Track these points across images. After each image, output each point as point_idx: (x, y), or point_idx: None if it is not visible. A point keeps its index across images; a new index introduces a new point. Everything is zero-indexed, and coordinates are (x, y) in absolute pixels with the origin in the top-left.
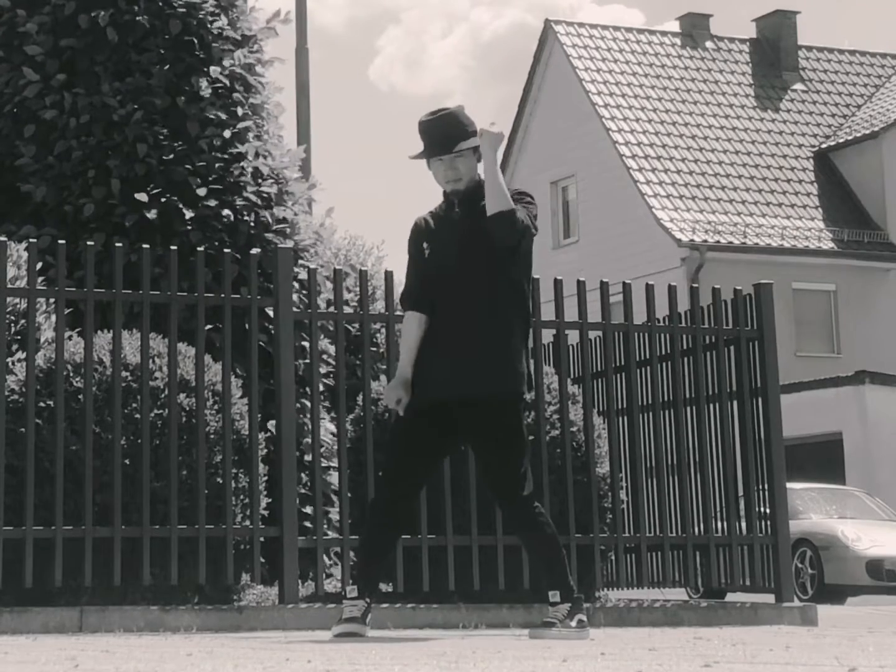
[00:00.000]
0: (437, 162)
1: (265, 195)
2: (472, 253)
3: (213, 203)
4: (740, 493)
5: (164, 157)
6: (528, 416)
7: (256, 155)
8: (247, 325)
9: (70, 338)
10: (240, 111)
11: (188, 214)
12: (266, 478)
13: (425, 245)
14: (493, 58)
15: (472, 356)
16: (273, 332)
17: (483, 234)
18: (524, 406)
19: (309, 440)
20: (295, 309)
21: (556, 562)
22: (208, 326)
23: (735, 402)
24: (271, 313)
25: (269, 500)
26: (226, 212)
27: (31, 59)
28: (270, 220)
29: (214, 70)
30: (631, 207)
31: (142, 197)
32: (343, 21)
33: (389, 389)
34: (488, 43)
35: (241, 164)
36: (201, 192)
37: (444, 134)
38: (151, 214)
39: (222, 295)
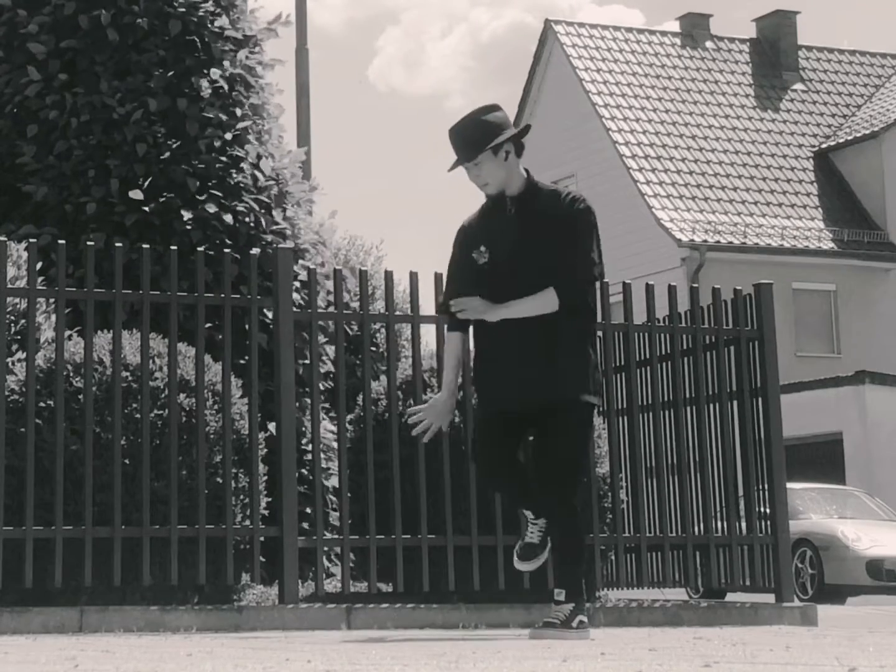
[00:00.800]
0: (466, 168)
1: (265, 196)
2: (532, 255)
3: (212, 205)
4: (740, 493)
5: (164, 157)
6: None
7: (257, 156)
8: (247, 326)
9: (70, 338)
10: (239, 112)
11: (187, 215)
12: (266, 478)
13: (483, 249)
14: (492, 58)
15: (550, 362)
16: (273, 332)
17: (541, 234)
18: (594, 414)
19: (309, 440)
20: (295, 309)
21: (574, 563)
22: (208, 325)
23: (735, 402)
24: (271, 313)
25: (269, 500)
26: (227, 217)
27: (33, 59)
28: (270, 221)
29: (214, 71)
30: (631, 207)
31: (136, 195)
32: (342, 21)
33: (429, 409)
34: (487, 43)
35: (241, 164)
36: (201, 196)
37: (464, 141)
38: (149, 209)
39: (222, 295)
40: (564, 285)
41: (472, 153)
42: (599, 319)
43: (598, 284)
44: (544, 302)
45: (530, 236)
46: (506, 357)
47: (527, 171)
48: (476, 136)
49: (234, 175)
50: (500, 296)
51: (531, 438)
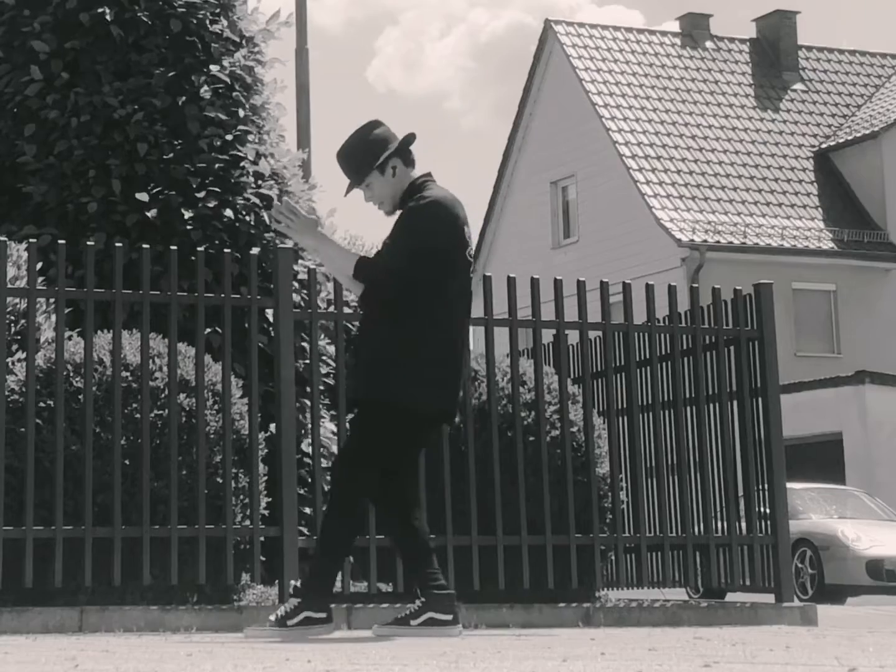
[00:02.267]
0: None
1: (265, 196)
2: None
3: (212, 203)
4: (740, 493)
5: (165, 157)
6: (529, 416)
7: (257, 155)
8: (246, 325)
9: (70, 338)
10: (240, 112)
11: (188, 214)
12: (266, 478)
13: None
14: (490, 59)
15: (360, 351)
16: (273, 332)
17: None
18: (394, 412)
19: (309, 440)
20: (295, 309)
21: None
22: (208, 330)
23: (735, 402)
24: (271, 313)
25: (269, 500)
26: (227, 212)
27: (34, 58)
28: (270, 220)
29: (214, 70)
30: (631, 207)
31: (143, 196)
32: (341, 22)
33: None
34: (486, 44)
35: (242, 163)
36: (200, 194)
37: (349, 166)
38: (152, 213)
39: (222, 295)
40: (361, 264)
41: (360, 176)
42: (600, 319)
43: (421, 283)
44: (348, 264)
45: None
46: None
47: (424, 176)
48: (359, 158)
49: (235, 174)
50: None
51: None
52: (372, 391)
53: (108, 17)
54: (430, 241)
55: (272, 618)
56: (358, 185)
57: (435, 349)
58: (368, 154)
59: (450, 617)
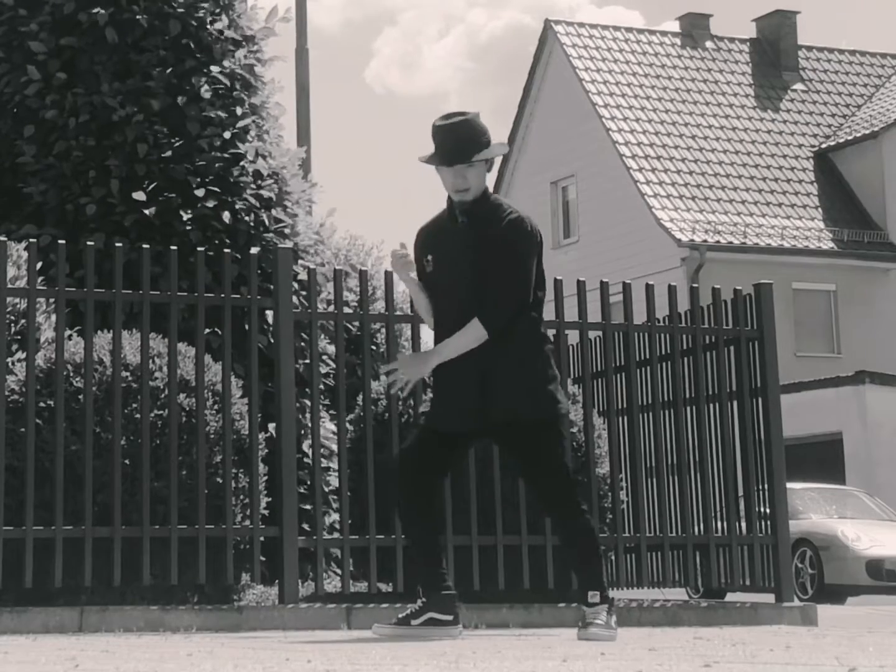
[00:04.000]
0: (446, 169)
1: (265, 196)
2: (470, 271)
3: (212, 203)
4: (740, 493)
5: (164, 157)
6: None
7: (256, 155)
8: (246, 325)
9: (70, 338)
10: (239, 111)
11: (187, 215)
12: (266, 478)
13: (429, 258)
14: (489, 59)
15: (498, 377)
16: (273, 332)
17: (480, 251)
18: (560, 424)
19: (309, 440)
20: (295, 309)
21: (596, 563)
22: (207, 330)
23: (735, 402)
24: (271, 313)
25: (269, 500)
26: (225, 215)
27: (33, 59)
28: (270, 221)
29: (214, 70)
30: (631, 207)
31: (140, 196)
32: (339, 22)
33: (401, 361)
34: (485, 44)
35: (241, 163)
36: (199, 192)
37: (459, 141)
38: (150, 211)
39: (222, 295)
40: (487, 315)
41: (473, 152)
42: (600, 319)
43: (538, 303)
44: (472, 337)
45: (471, 252)
46: (464, 371)
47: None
48: (475, 140)
49: (234, 173)
50: (441, 308)
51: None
52: (541, 410)
53: (103, 19)
54: (535, 258)
55: (599, 621)
56: (462, 162)
57: (550, 356)
58: (482, 136)
59: (450, 617)
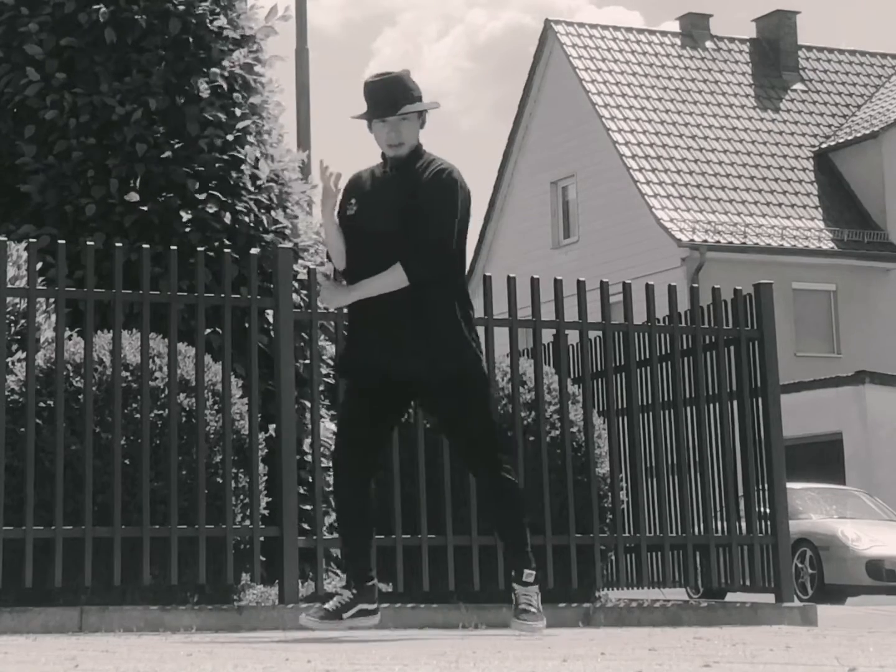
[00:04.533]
0: (379, 124)
1: (265, 196)
2: (399, 219)
3: (211, 204)
4: (740, 493)
5: (164, 157)
6: (529, 416)
7: (256, 158)
8: (247, 325)
9: (70, 338)
10: (239, 111)
11: (186, 216)
12: (266, 478)
13: (353, 201)
14: (488, 59)
15: (418, 332)
16: (273, 332)
17: (405, 200)
18: (486, 381)
19: (309, 440)
20: (295, 309)
21: (524, 536)
22: (208, 330)
23: (735, 402)
24: (271, 313)
25: (269, 500)
26: (226, 215)
27: (32, 59)
28: (270, 221)
29: (214, 70)
30: (631, 207)
31: (131, 196)
32: (338, 22)
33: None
34: (484, 44)
35: (241, 164)
36: (201, 196)
37: (389, 95)
38: (148, 209)
39: (222, 295)
40: (409, 262)
41: (400, 105)
42: (600, 319)
43: (462, 249)
44: (394, 279)
45: (395, 201)
46: (377, 323)
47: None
48: (403, 89)
49: (234, 175)
50: (356, 252)
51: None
52: (468, 361)
53: (102, 19)
54: (463, 212)
55: (533, 609)
56: (394, 114)
57: (472, 315)
58: (414, 91)
59: (375, 606)
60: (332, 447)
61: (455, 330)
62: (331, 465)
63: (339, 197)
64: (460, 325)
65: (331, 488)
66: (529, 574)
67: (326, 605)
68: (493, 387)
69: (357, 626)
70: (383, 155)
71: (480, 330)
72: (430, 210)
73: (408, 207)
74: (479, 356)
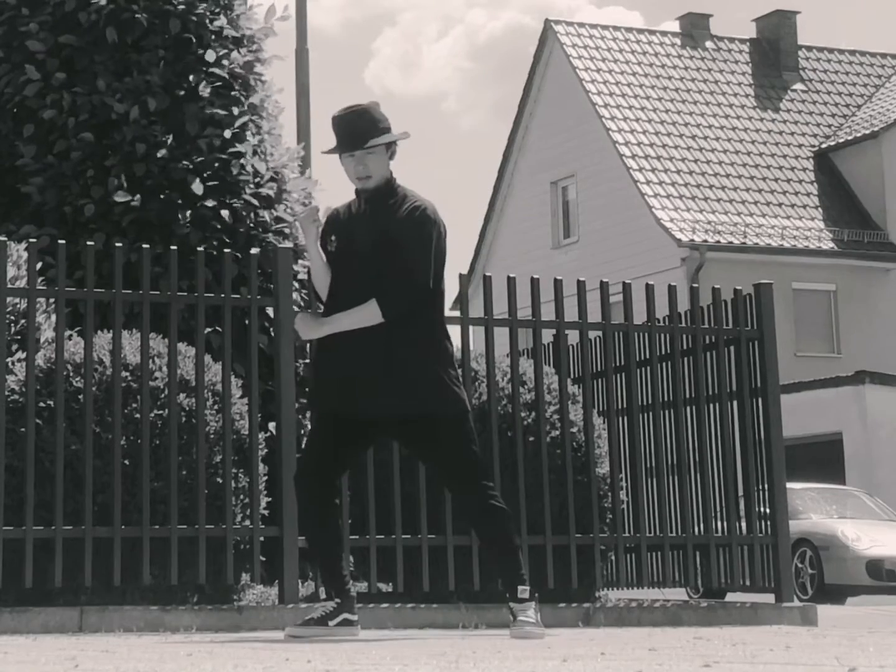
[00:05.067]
0: (347, 158)
1: (264, 195)
2: (374, 255)
3: (211, 203)
4: (740, 493)
5: (163, 157)
6: (529, 416)
7: (255, 154)
8: (246, 322)
9: (70, 338)
10: (238, 111)
11: (186, 215)
12: (266, 478)
13: (332, 238)
14: (488, 60)
15: (388, 371)
16: (273, 332)
17: (380, 236)
18: (461, 414)
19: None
20: (295, 308)
21: (514, 559)
22: (208, 329)
23: (735, 402)
24: (271, 313)
25: (269, 500)
26: (224, 213)
27: (32, 58)
28: (270, 220)
29: (213, 69)
30: (631, 207)
31: (121, 196)
32: (338, 23)
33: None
34: (484, 45)
35: (241, 162)
36: (198, 189)
37: (356, 129)
38: (147, 209)
39: (222, 295)
40: (384, 299)
41: (366, 138)
42: (600, 319)
43: (437, 291)
44: (368, 315)
45: (368, 238)
46: (348, 358)
47: (391, 173)
48: (369, 123)
49: (234, 173)
50: (338, 289)
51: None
52: (445, 405)
53: (101, 16)
54: (439, 249)
55: (531, 620)
56: (359, 148)
57: (451, 352)
58: (380, 123)
59: (356, 617)
60: (295, 472)
61: (427, 370)
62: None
63: (320, 229)
64: (434, 365)
65: None
66: (524, 590)
67: (311, 614)
68: (472, 422)
69: (340, 635)
70: (356, 190)
71: (480, 330)
72: (404, 247)
73: (381, 244)
74: (457, 393)
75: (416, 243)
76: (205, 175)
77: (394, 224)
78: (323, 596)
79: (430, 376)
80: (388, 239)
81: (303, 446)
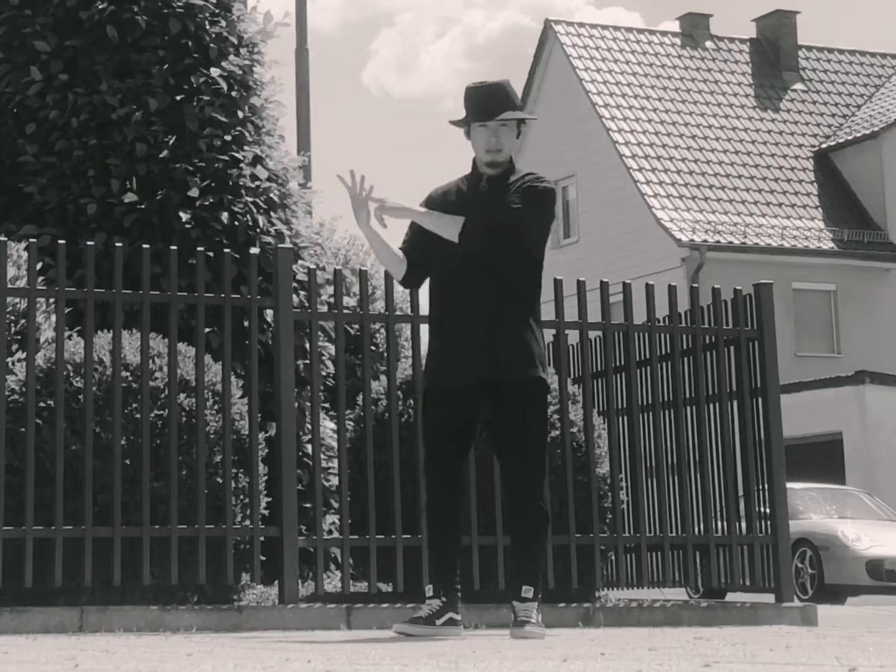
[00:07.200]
0: (479, 129)
1: (264, 196)
2: (492, 235)
3: (210, 203)
4: (740, 493)
5: (164, 157)
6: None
7: (255, 156)
8: (246, 323)
9: (70, 338)
10: (239, 113)
11: (185, 216)
12: (266, 478)
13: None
14: (486, 60)
15: (500, 339)
16: (273, 332)
17: (506, 213)
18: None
19: (309, 440)
20: (295, 309)
21: (538, 560)
22: (208, 329)
23: (735, 402)
24: (271, 313)
25: (269, 500)
26: (223, 215)
27: (35, 58)
28: (269, 221)
29: (213, 71)
30: (631, 207)
31: (129, 197)
32: (337, 23)
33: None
34: (482, 45)
35: (241, 165)
36: (194, 193)
37: (492, 100)
38: (147, 209)
39: (222, 295)
40: (471, 226)
41: (499, 114)
42: (600, 319)
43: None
44: (451, 227)
45: (490, 212)
46: (465, 325)
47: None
48: (507, 101)
49: (233, 174)
50: (448, 270)
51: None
52: (536, 370)
53: (102, 16)
54: (548, 228)
55: (530, 619)
56: (494, 117)
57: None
58: (515, 100)
59: (461, 617)
60: (423, 462)
61: (538, 339)
62: (337, 465)
63: (372, 206)
64: (541, 335)
65: (330, 486)
66: (528, 590)
67: (418, 613)
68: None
69: (446, 634)
70: (474, 166)
71: None
72: (522, 206)
73: (502, 221)
74: (539, 374)
75: (531, 207)
76: (204, 176)
77: (513, 194)
78: (430, 594)
79: (540, 346)
80: (507, 206)
81: (426, 445)
